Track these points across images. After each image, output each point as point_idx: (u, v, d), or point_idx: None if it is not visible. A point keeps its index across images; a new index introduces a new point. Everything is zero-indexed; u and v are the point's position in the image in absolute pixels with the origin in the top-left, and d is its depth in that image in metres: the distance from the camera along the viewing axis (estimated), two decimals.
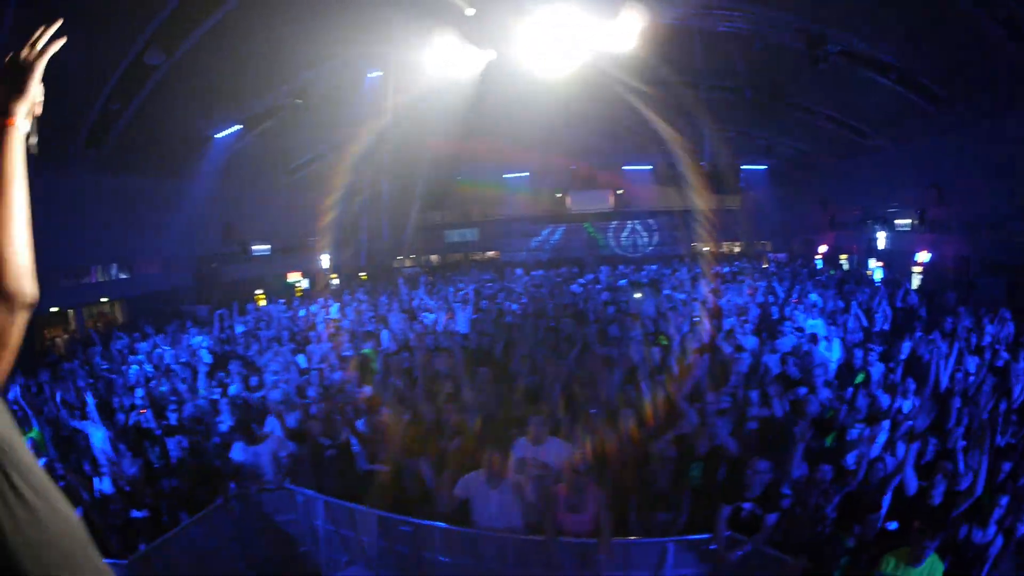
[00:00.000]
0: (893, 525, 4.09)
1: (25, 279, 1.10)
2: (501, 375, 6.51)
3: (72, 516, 1.22)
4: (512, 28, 12.97)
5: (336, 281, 23.26)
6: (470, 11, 12.78)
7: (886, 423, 5.02)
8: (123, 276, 17.74)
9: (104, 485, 5.55)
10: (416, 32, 13.22)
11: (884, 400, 5.48)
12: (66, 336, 14.78)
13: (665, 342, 7.09)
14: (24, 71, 1.26)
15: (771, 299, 10.41)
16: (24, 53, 1.26)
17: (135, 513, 5.17)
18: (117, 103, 13.29)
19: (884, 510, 4.04)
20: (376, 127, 15.60)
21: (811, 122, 17.44)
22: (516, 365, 6.73)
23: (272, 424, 5.82)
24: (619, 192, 26.11)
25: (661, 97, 16.51)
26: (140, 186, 16.45)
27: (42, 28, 1.28)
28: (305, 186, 22.32)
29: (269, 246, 22.45)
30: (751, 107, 17.07)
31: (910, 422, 4.95)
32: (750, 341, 7.67)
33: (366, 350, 8.66)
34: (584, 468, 4.27)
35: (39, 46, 1.28)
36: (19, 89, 1.24)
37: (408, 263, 27.71)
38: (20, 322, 1.11)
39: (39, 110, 1.29)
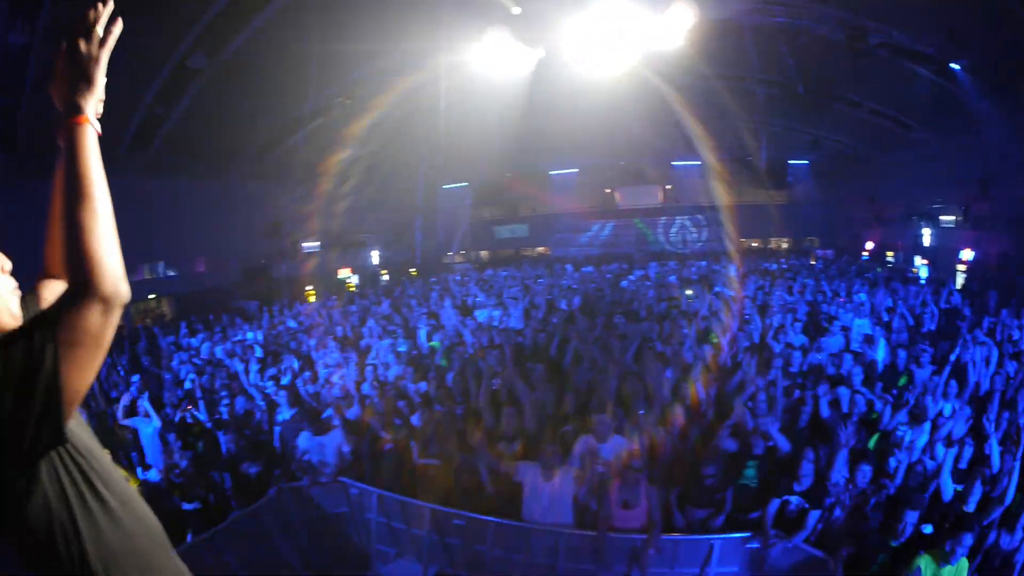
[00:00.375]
0: (928, 528, 4.04)
1: (120, 280, 1.11)
2: (555, 372, 6.54)
3: (151, 517, 1.29)
4: (560, 26, 12.99)
5: (386, 277, 23.71)
6: (516, 9, 12.88)
7: (927, 426, 4.95)
8: (171, 274, 18.26)
9: (150, 476, 5.73)
10: (465, 31, 13.32)
11: (927, 402, 5.39)
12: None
13: (715, 340, 7.04)
14: (88, 63, 1.19)
15: (819, 297, 10.28)
16: (84, 45, 1.19)
17: (186, 505, 5.33)
18: (161, 107, 13.65)
19: (919, 513, 3.99)
20: (426, 125, 15.71)
21: (856, 116, 17.16)
22: (570, 362, 6.77)
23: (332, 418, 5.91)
24: (668, 187, 25.94)
25: (709, 92, 16.59)
26: (187, 187, 16.92)
27: (94, 12, 1.21)
28: (356, 183, 22.49)
29: (319, 243, 22.67)
30: (797, 101, 16.86)
31: (950, 425, 4.86)
32: (799, 339, 7.59)
33: (434, 343, 8.82)
34: (638, 465, 4.29)
35: (98, 34, 1.20)
36: (87, 83, 1.18)
37: (458, 259, 28.05)
38: (114, 322, 1.11)
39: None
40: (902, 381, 6.20)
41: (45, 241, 1.52)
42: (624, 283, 14.22)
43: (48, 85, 1.19)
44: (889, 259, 19.62)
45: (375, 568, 5.27)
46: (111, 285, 1.08)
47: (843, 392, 5.60)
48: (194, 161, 16.27)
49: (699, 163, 23.89)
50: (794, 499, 4.29)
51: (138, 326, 13.59)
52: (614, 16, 12.49)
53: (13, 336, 1.04)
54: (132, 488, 1.30)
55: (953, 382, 5.61)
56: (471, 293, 13.35)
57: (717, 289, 11.37)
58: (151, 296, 17.91)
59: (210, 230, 18.19)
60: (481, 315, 10.65)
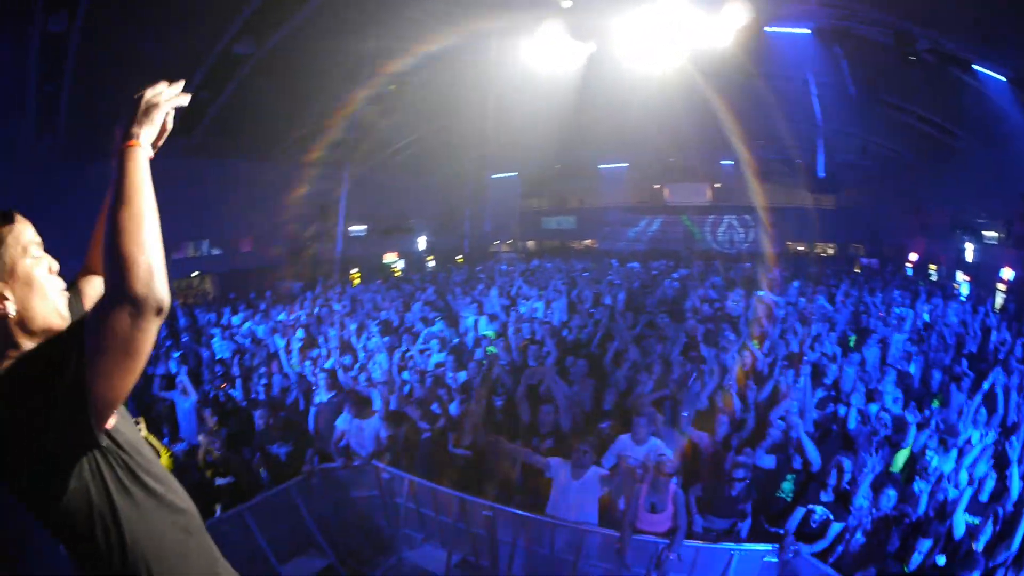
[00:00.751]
0: (942, 560, 4.00)
1: (155, 284, 1.08)
2: (595, 369, 6.58)
3: (188, 504, 1.38)
4: (611, 21, 13.17)
5: (432, 263, 23.87)
6: (567, 3, 12.93)
7: (954, 452, 4.85)
8: (216, 252, 18.63)
9: (180, 448, 5.90)
10: (518, 22, 13.45)
11: (959, 427, 5.29)
12: None
13: (758, 345, 7.02)
14: (150, 108, 1.29)
15: (860, 308, 10.06)
16: (150, 94, 1.30)
17: (218, 481, 5.37)
18: (208, 92, 13.91)
19: (932, 543, 3.93)
20: (475, 114, 15.84)
21: (904, 121, 16.71)
22: (611, 360, 6.81)
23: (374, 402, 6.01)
24: (717, 186, 25.65)
25: (757, 89, 16.52)
26: (235, 168, 17.28)
27: (166, 84, 1.34)
28: (404, 169, 22.87)
29: (366, 226, 22.94)
30: (847, 104, 16.56)
31: (976, 453, 4.75)
32: (834, 349, 7.49)
33: (489, 331, 8.89)
34: (670, 470, 4.32)
35: (168, 95, 1.32)
36: (147, 119, 1.28)
37: (505, 248, 28.16)
38: (150, 329, 1.08)
39: (169, 126, 1.36)
40: (935, 403, 6.08)
41: (89, 243, 1.59)
42: (668, 281, 14.11)
43: (115, 126, 1.26)
44: (932, 273, 19.16)
45: (400, 551, 5.37)
46: (143, 287, 1.06)
47: (872, 408, 5.55)
48: (243, 142, 16.54)
49: (746, 162, 23.74)
50: (819, 509, 4.30)
51: (175, 303, 13.96)
52: (666, 12, 12.58)
53: (50, 341, 1.10)
54: (172, 478, 1.38)
55: (983, 408, 5.49)
56: (516, 284, 13.38)
57: (759, 293, 11.30)
58: (194, 274, 18.29)
59: (257, 210, 18.41)
60: (524, 307, 10.68)
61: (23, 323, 1.21)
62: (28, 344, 1.21)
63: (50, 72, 10.90)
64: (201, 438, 5.76)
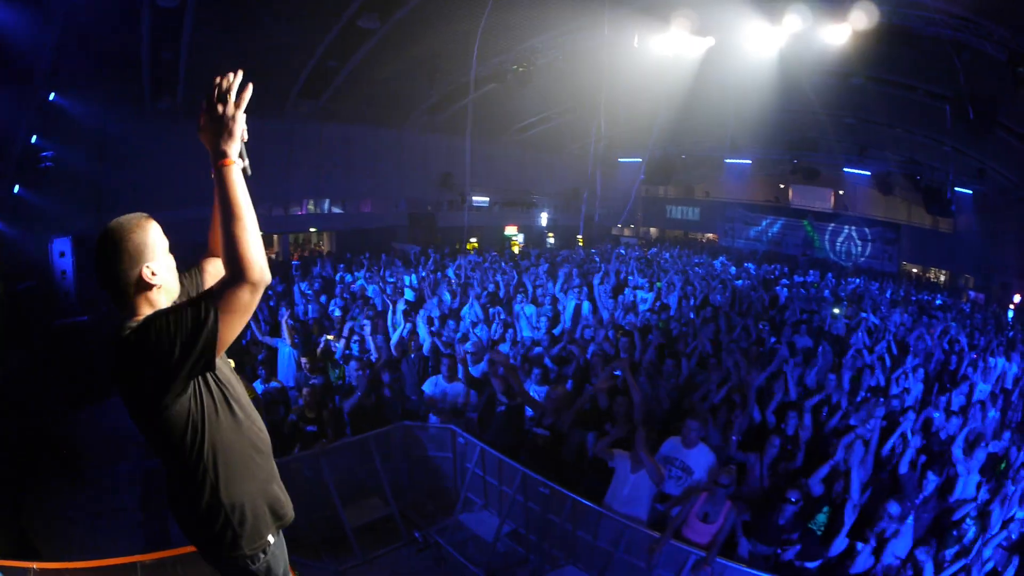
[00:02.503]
0: None
1: (263, 270, 1.57)
2: (678, 365, 6.72)
3: (262, 431, 1.97)
4: (731, 16, 13.13)
5: (552, 240, 24.35)
6: None
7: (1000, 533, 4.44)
8: (336, 211, 19.75)
9: (269, 386, 6.28)
10: (641, 9, 13.68)
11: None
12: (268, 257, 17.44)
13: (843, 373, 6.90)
14: (228, 121, 1.60)
15: (955, 347, 9.46)
16: (222, 107, 1.60)
17: (308, 428, 5.71)
18: (334, 61, 14.74)
19: None
20: (602, 97, 16.06)
21: (1020, 150, 15.42)
22: (695, 362, 6.92)
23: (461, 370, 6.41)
24: (840, 193, 24.64)
25: (883, 98, 16.04)
26: (361, 133, 18.22)
27: (227, 80, 1.61)
28: (530, 145, 23.46)
29: (488, 198, 23.65)
30: (966, 123, 15.31)
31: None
32: (917, 387, 7.24)
33: (591, 316, 9.06)
34: (727, 482, 4.38)
35: (232, 98, 1.61)
36: (229, 135, 1.60)
37: (627, 232, 28.37)
38: (258, 298, 1.59)
39: (245, 136, 1.64)
40: (1003, 465, 5.68)
41: (210, 228, 2.03)
42: (779, 288, 13.84)
43: (198, 133, 1.64)
44: None
45: (458, 513, 5.66)
46: (257, 275, 1.55)
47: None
48: (368, 110, 17.34)
49: (870, 172, 22.47)
50: (861, 548, 4.27)
51: (293, 261, 14.72)
52: (785, 12, 12.35)
53: (190, 302, 1.56)
54: (253, 409, 1.93)
55: None
56: (629, 269, 13.54)
57: (862, 316, 10.91)
58: (312, 229, 19.50)
59: (381, 174, 19.43)
60: (633, 296, 10.78)
61: (163, 290, 1.76)
62: (163, 303, 1.75)
63: (166, 40, 11.90)
64: (296, 385, 6.29)
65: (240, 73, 1.63)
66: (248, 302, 1.58)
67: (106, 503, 6.15)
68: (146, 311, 1.70)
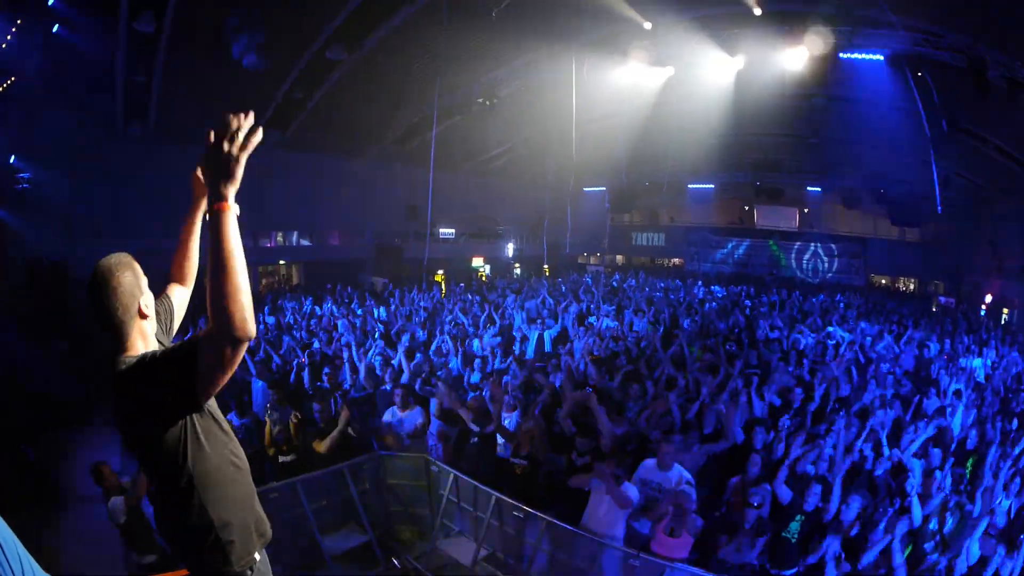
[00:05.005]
0: None
1: (247, 324, 1.50)
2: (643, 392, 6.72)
3: (242, 459, 1.97)
4: (689, 47, 13.51)
5: (518, 270, 24.42)
6: (647, 24, 13.15)
7: (982, 524, 4.42)
8: (304, 243, 19.62)
9: (245, 421, 6.31)
10: (600, 41, 13.98)
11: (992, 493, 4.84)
12: None
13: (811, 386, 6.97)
14: (231, 163, 1.52)
15: (925, 352, 9.54)
16: (227, 146, 1.51)
17: (281, 458, 5.81)
18: (300, 92, 14.86)
19: None
20: (564, 128, 16.34)
21: (984, 153, 15.88)
22: (663, 385, 6.94)
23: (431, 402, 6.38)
24: (805, 211, 25.13)
25: (842, 115, 16.57)
26: (328, 163, 18.18)
27: (237, 120, 1.54)
28: (496, 175, 23.65)
29: (454, 230, 23.64)
30: (927, 134, 15.85)
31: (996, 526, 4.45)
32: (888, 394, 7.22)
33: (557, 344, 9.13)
34: (691, 507, 4.43)
35: (240, 139, 1.53)
36: (229, 177, 1.52)
37: (593, 260, 28.59)
38: (242, 352, 1.57)
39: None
40: (971, 461, 5.73)
41: (175, 254, 2.11)
42: (745, 310, 13.98)
43: (200, 170, 1.64)
44: (1004, 317, 17.82)
45: (435, 540, 5.71)
46: (240, 331, 1.49)
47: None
48: (335, 140, 17.40)
49: (834, 189, 23.10)
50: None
51: (266, 295, 14.40)
52: (740, 40, 12.73)
53: (177, 354, 1.60)
54: (234, 439, 1.95)
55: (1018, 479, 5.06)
56: (595, 297, 13.68)
57: (829, 329, 11.04)
58: (281, 262, 19.32)
59: (348, 205, 19.38)
60: (601, 322, 10.88)
61: (150, 319, 1.83)
62: (151, 333, 1.83)
63: (140, 65, 11.99)
64: (268, 416, 6.21)
65: (252, 114, 1.56)
66: (230, 357, 1.54)
67: (88, 527, 5.98)
68: (138, 342, 1.77)
